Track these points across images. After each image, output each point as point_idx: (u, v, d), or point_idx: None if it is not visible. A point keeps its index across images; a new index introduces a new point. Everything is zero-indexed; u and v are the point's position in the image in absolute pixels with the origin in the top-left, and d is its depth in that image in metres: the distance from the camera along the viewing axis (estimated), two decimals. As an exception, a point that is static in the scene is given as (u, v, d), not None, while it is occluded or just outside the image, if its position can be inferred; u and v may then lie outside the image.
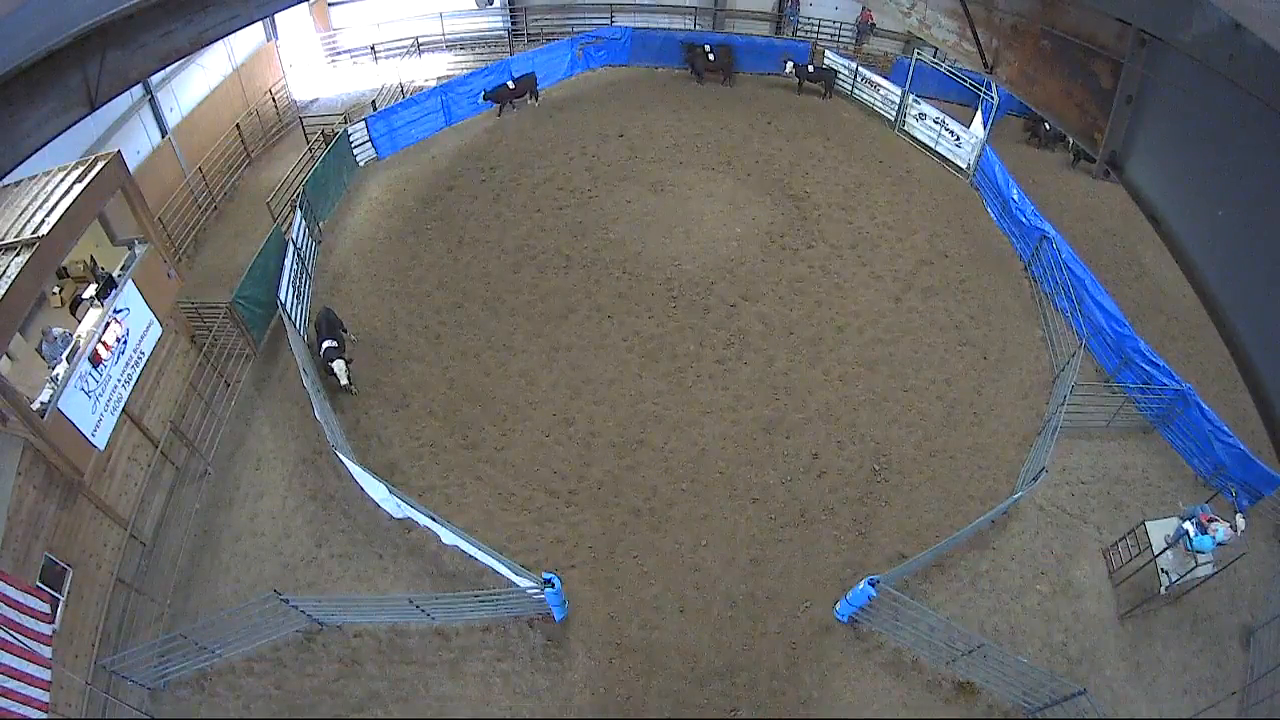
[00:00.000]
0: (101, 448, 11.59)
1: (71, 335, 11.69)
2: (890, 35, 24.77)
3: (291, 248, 15.50)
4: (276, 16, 20.54)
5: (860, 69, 22.07)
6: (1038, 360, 15.78)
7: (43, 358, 11.39)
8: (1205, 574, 11.67)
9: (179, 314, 14.33)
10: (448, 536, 11.72)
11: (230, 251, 17.22)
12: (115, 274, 12.84)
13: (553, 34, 24.78)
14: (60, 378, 11.02)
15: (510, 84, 21.08)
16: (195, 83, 18.56)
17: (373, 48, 23.77)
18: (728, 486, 13.32)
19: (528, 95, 21.77)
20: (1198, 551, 11.58)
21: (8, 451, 10.15)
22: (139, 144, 16.49)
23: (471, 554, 11.59)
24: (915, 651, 11.46)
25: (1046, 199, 18.81)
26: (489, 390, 14.71)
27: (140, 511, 12.42)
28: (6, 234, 10.56)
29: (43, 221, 10.61)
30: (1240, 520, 11.61)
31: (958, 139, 19.90)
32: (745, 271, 17.00)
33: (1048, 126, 20.96)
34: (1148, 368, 14.01)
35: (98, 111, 8.87)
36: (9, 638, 8.71)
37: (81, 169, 11.59)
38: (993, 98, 18.54)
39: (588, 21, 24.82)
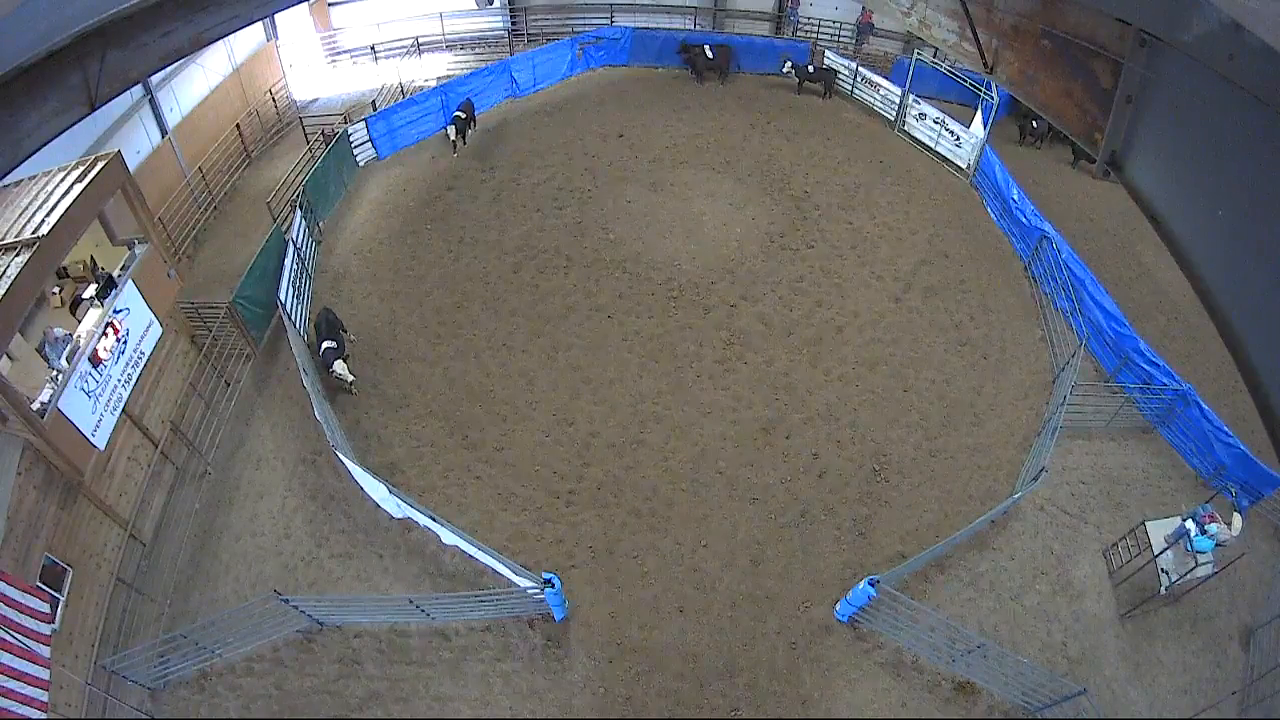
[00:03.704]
0: (101, 448, 11.60)
1: (71, 335, 11.70)
2: (890, 35, 24.77)
3: (291, 248, 15.50)
4: (276, 16, 20.56)
5: (860, 69, 22.07)
6: (1038, 360, 15.78)
7: (43, 358, 11.39)
8: (1205, 574, 11.67)
9: (179, 314, 14.34)
10: (448, 536, 11.72)
11: (230, 251, 17.21)
12: (115, 274, 12.86)
13: (553, 34, 24.78)
14: (60, 378, 11.03)
15: (461, 114, 20.03)
16: (195, 83, 18.56)
17: (373, 48, 23.77)
18: (728, 486, 13.32)
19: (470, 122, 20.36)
20: (1198, 552, 11.58)
21: (8, 451, 10.16)
22: (139, 144, 16.49)
23: (471, 554, 11.59)
24: (915, 651, 11.46)
25: (1046, 199, 18.79)
26: (489, 390, 14.71)
27: (140, 511, 12.42)
28: (6, 234, 10.58)
29: (43, 221, 10.63)
30: (1237, 519, 11.58)
31: (958, 139, 19.90)
32: (745, 271, 17.00)
33: (1035, 124, 20.94)
34: (1148, 368, 14.01)
35: (98, 111, 8.85)
36: (9, 638, 8.72)
37: (81, 169, 11.61)
38: (993, 98, 18.54)
39: (588, 21, 24.82)
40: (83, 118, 8.64)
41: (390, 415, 14.31)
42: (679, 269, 16.99)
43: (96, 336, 11.54)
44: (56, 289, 12.77)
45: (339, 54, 23.76)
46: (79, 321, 12.16)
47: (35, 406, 10.50)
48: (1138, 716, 11.12)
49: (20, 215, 10.86)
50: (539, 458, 13.68)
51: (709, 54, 22.60)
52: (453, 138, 19.70)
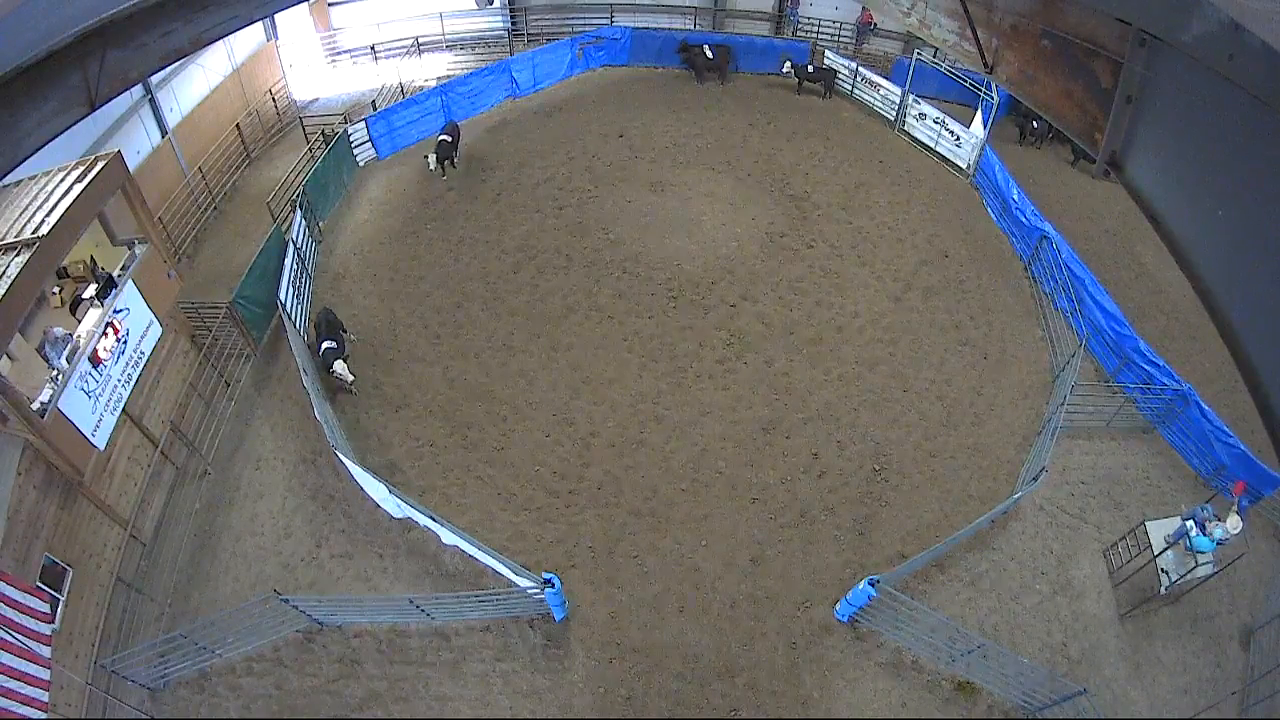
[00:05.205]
0: (101, 448, 11.59)
1: (71, 335, 11.69)
2: (890, 35, 24.78)
3: (291, 248, 15.50)
4: (276, 16, 20.54)
5: (860, 69, 22.06)
6: (1038, 360, 15.78)
7: (43, 358, 11.39)
8: (1205, 574, 11.67)
9: (179, 314, 14.33)
10: (448, 536, 11.73)
11: (230, 251, 17.22)
12: (115, 274, 12.84)
13: (553, 34, 24.78)
14: (60, 378, 11.02)
15: (446, 138, 19.09)
16: (195, 83, 18.56)
17: (373, 48, 23.77)
18: (728, 486, 13.32)
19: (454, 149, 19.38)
20: (1198, 552, 11.58)
21: (8, 451, 10.16)
22: (139, 144, 16.49)
23: (471, 554, 11.59)
24: (915, 651, 11.46)
25: (1046, 199, 18.79)
26: (489, 390, 14.71)
27: (140, 511, 12.42)
28: (6, 234, 10.56)
29: (43, 221, 10.61)
30: (1236, 519, 11.57)
31: (958, 139, 19.90)
32: (745, 271, 17.00)
33: (1035, 124, 20.94)
34: (1148, 368, 14.01)
35: (98, 111, 8.85)
36: (9, 638, 8.71)
37: (81, 169, 11.59)
38: (993, 98, 18.54)
39: (588, 21, 24.82)
40: (83, 118, 8.64)
41: (390, 415, 14.31)
42: (679, 269, 16.99)
43: (96, 336, 11.53)
44: (56, 289, 12.75)
45: (339, 54, 23.76)
46: (79, 321, 12.14)
47: (35, 406, 10.48)
48: (1138, 716, 11.12)
49: (20, 215, 10.84)
50: (539, 458, 13.68)
51: (709, 54, 22.59)
52: (433, 166, 18.91)
